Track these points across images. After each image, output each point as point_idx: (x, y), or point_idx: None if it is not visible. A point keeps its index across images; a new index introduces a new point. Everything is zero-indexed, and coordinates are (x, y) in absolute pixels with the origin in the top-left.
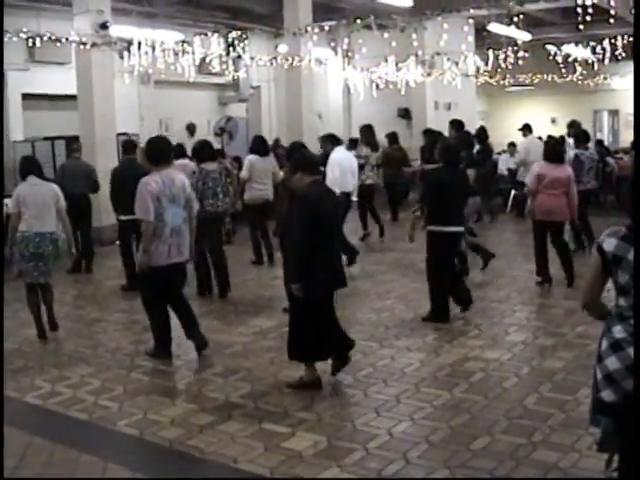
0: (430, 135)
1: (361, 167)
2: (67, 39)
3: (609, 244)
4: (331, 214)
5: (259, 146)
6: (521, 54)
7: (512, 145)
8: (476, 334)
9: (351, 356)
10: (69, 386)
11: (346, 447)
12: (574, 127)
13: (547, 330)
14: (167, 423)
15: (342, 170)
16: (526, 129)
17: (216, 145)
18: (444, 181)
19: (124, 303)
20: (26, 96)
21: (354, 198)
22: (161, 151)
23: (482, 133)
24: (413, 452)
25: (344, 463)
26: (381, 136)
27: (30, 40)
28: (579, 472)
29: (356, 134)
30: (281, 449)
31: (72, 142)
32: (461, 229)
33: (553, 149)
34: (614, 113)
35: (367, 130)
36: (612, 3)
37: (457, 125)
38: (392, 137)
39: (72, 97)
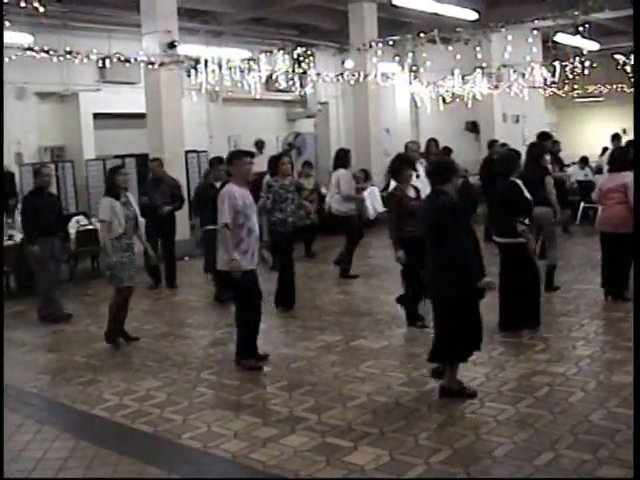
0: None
1: None
2: (136, 59)
3: None
4: None
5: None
6: (588, 64)
7: (584, 160)
8: (542, 348)
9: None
10: (135, 399)
11: (408, 462)
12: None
13: (615, 344)
14: (231, 436)
15: None
16: (616, 138)
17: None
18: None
19: (191, 318)
20: (97, 116)
21: None
22: None
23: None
24: (476, 467)
25: (406, 477)
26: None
27: (101, 61)
28: None
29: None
30: (343, 463)
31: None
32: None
33: (612, 157)
34: None
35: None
36: None
37: None
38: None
39: (142, 116)
